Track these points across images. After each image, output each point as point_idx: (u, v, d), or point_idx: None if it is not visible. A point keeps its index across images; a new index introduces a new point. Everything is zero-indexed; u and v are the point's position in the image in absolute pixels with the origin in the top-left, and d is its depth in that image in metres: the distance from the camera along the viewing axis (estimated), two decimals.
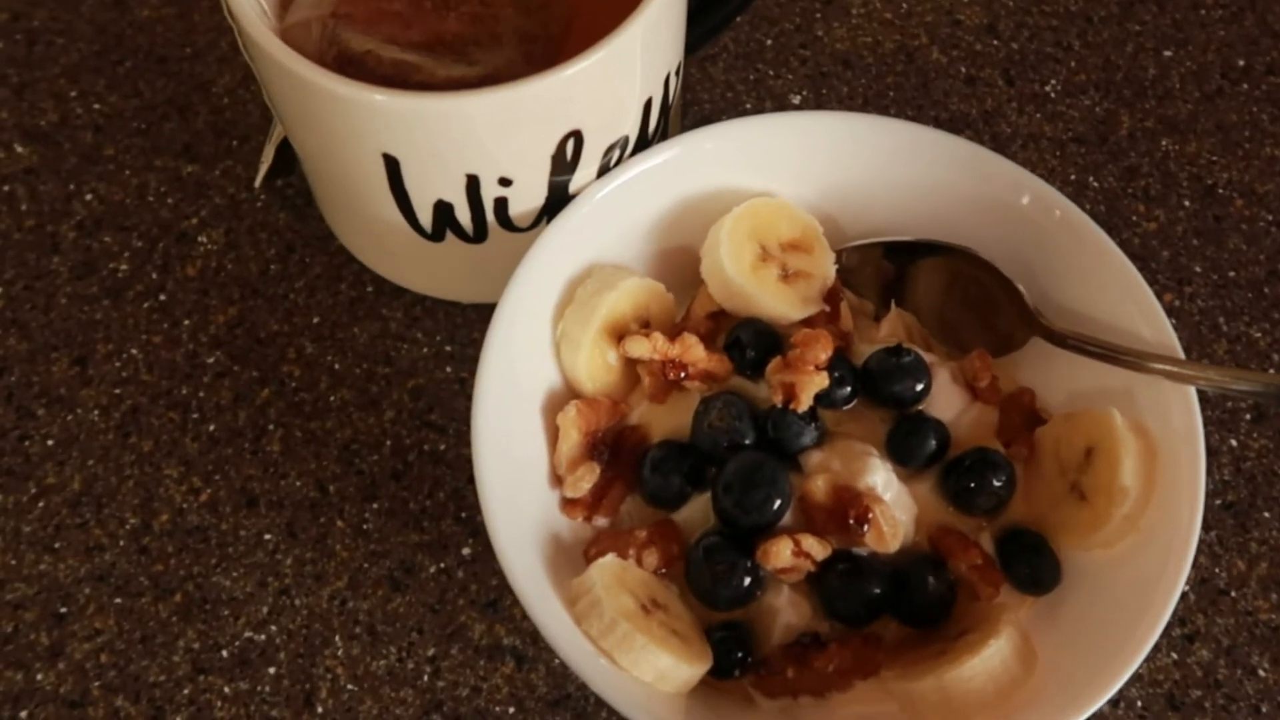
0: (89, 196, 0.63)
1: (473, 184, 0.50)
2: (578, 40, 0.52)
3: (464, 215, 0.52)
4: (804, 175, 0.55)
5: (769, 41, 0.68)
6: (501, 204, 0.51)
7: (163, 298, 0.60)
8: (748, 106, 0.65)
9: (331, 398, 0.57)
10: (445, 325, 0.60)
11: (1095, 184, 0.63)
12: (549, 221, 0.51)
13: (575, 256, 0.52)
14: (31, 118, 0.65)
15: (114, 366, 0.58)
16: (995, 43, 0.67)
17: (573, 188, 0.52)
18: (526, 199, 0.52)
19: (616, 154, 0.52)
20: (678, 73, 0.55)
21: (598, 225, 0.52)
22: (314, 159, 0.54)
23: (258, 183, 0.62)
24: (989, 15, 0.68)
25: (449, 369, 0.58)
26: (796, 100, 0.66)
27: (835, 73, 0.67)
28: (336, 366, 0.58)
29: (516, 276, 0.50)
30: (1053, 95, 0.66)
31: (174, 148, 0.64)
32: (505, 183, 0.50)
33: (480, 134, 0.47)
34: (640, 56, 0.49)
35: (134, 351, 0.59)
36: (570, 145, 0.50)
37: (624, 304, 0.51)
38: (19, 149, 0.64)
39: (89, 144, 0.64)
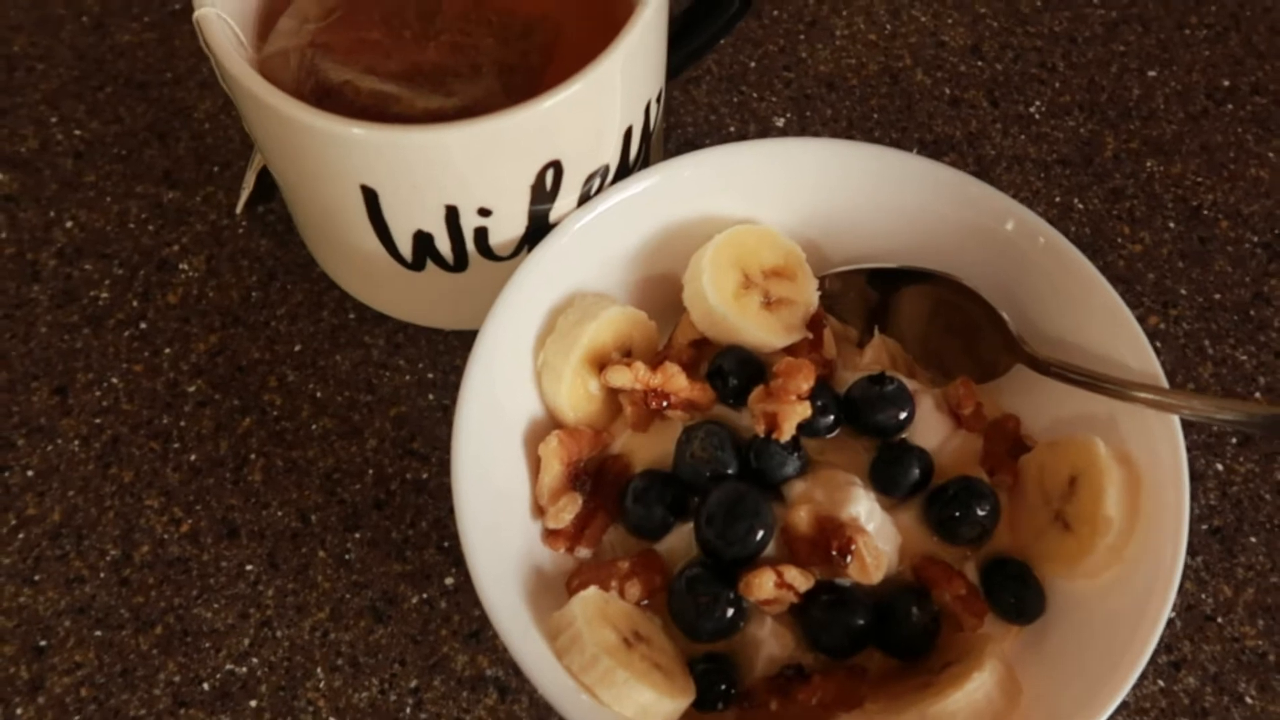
0: (69, 224, 0.63)
1: (452, 214, 0.50)
2: (557, 70, 0.52)
3: (444, 245, 0.51)
4: (786, 201, 0.55)
5: (752, 64, 0.67)
6: (481, 233, 0.51)
7: (143, 326, 0.60)
8: (731, 129, 0.65)
9: (313, 426, 0.57)
10: (428, 352, 0.59)
11: (1080, 206, 0.63)
12: (530, 250, 0.51)
13: (556, 285, 0.52)
14: (11, 144, 0.65)
15: (94, 396, 0.58)
16: (979, 64, 0.67)
17: (553, 216, 0.52)
18: (507, 228, 0.51)
19: (597, 182, 0.52)
20: (659, 99, 0.55)
21: (578, 254, 0.52)
22: (293, 189, 0.54)
23: (239, 209, 0.62)
24: (973, 36, 0.68)
25: (431, 396, 0.58)
26: (780, 123, 0.65)
27: (819, 95, 0.66)
28: (318, 394, 0.58)
29: (497, 306, 0.50)
30: (1037, 117, 0.66)
31: (155, 174, 0.64)
32: (485, 213, 0.50)
33: (459, 165, 0.47)
34: (620, 86, 0.49)
35: (114, 380, 0.58)
36: (550, 175, 0.49)
37: (605, 333, 0.51)
38: None
39: (69, 170, 0.64)
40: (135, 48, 0.68)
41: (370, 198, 0.49)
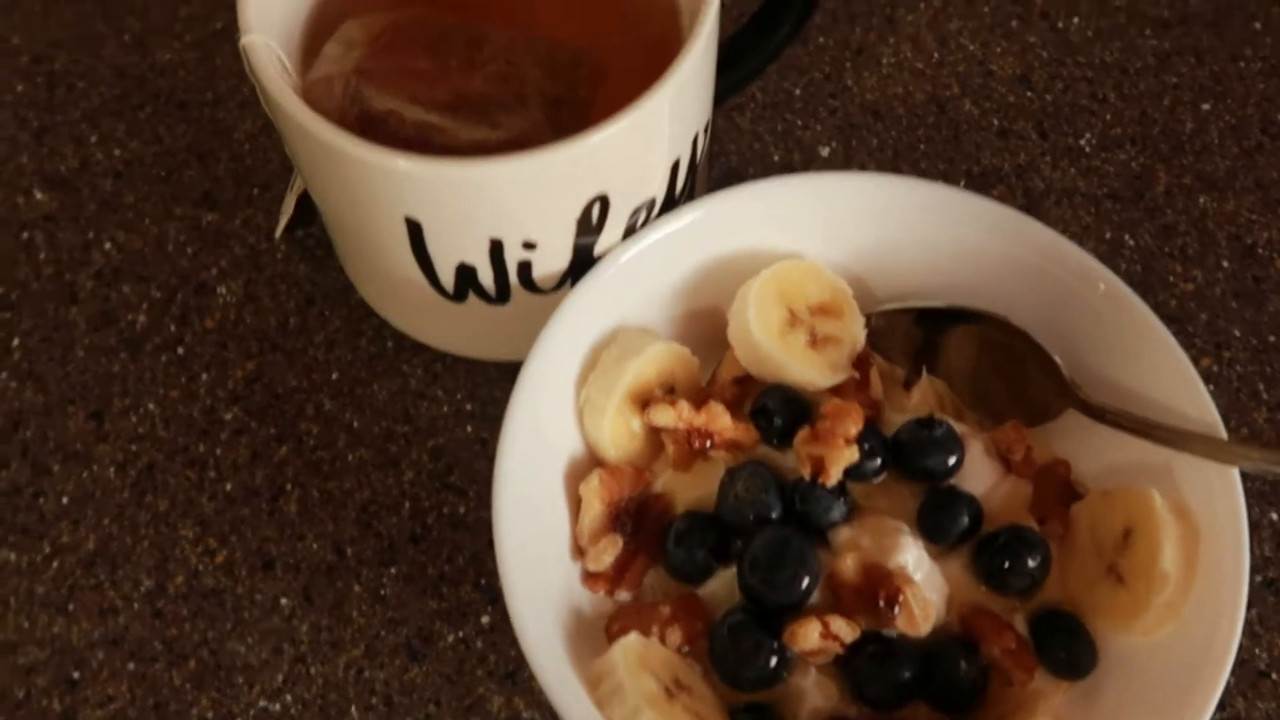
0: (108, 245, 0.62)
1: (496, 248, 0.49)
2: (605, 102, 0.51)
3: (486, 277, 0.51)
4: (832, 236, 0.54)
5: (797, 91, 0.66)
6: (525, 267, 0.50)
7: (180, 351, 0.59)
8: (775, 158, 0.64)
9: (350, 456, 0.56)
10: (466, 383, 0.59)
11: (1131, 242, 0.62)
12: (573, 284, 0.50)
13: (600, 320, 0.51)
14: (51, 163, 0.65)
15: (130, 422, 0.57)
16: (1029, 94, 0.66)
17: (598, 250, 0.51)
18: (551, 262, 0.51)
19: (643, 215, 0.51)
20: (706, 130, 0.54)
21: (623, 288, 0.51)
22: (334, 216, 0.53)
23: (278, 234, 0.62)
24: (1022, 66, 0.67)
25: (470, 428, 0.57)
26: (825, 152, 0.64)
27: (865, 124, 0.65)
28: (355, 424, 0.57)
29: (540, 342, 0.49)
30: (1088, 149, 0.64)
31: (194, 196, 0.64)
32: (529, 246, 0.49)
33: (505, 199, 0.46)
34: (669, 119, 0.48)
35: (151, 406, 0.58)
36: (596, 209, 0.49)
37: (649, 370, 0.50)
38: (38, 195, 0.64)
39: (109, 191, 0.64)
40: (176, 66, 0.68)
41: (414, 230, 0.48)
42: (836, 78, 0.67)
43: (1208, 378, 0.57)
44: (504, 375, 0.59)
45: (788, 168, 0.64)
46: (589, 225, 0.49)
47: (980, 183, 0.63)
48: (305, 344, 0.60)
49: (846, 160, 0.64)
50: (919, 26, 0.68)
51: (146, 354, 0.59)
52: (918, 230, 0.53)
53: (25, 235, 0.63)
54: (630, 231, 0.51)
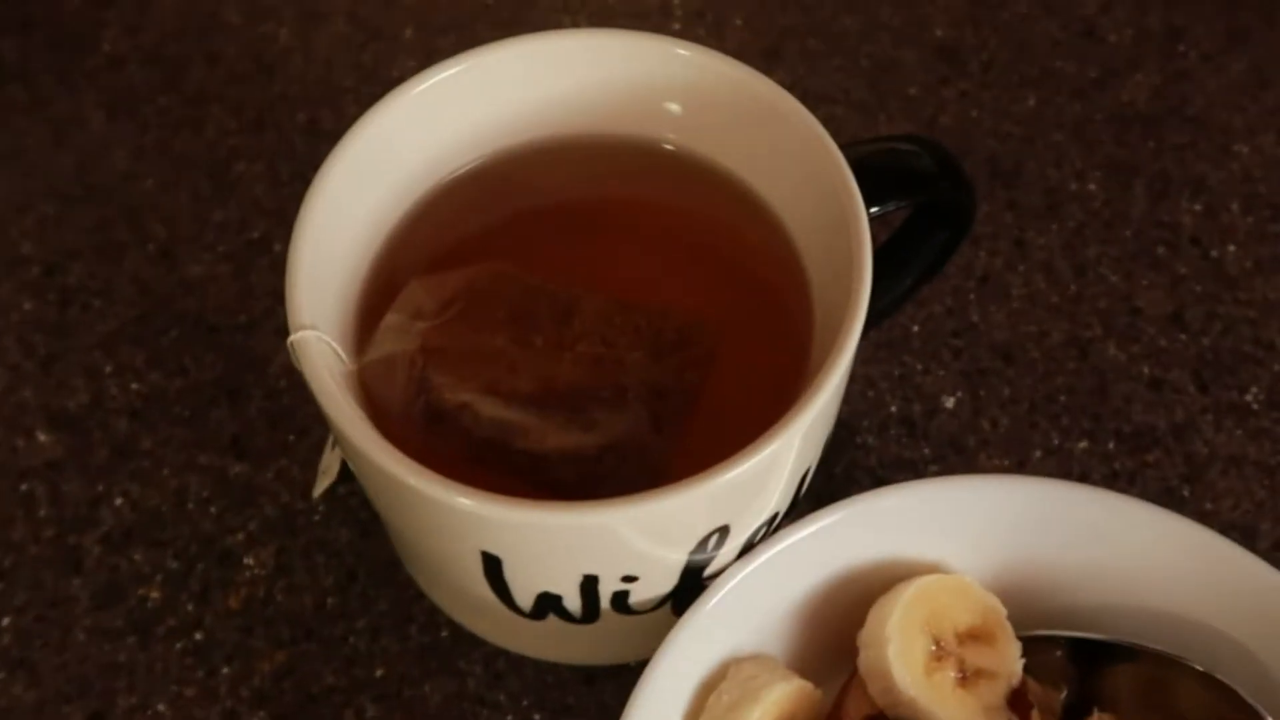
0: (119, 500, 0.54)
1: (589, 582, 0.40)
2: (715, 391, 0.43)
3: (573, 604, 0.42)
4: (982, 544, 0.45)
5: (915, 328, 0.58)
6: (621, 595, 0.41)
7: (199, 636, 0.51)
8: (893, 409, 0.56)
9: None
10: (534, 684, 0.49)
11: None
12: (676, 607, 0.42)
13: (709, 652, 0.43)
14: (59, 398, 0.56)
15: None
16: (1182, 336, 0.58)
17: (708, 571, 0.42)
18: (653, 588, 0.42)
19: (763, 531, 0.42)
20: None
21: (737, 611, 0.43)
22: (395, 530, 0.44)
23: (316, 493, 0.53)
24: (1173, 302, 0.58)
25: None
26: (950, 403, 0.56)
27: (995, 369, 0.57)
28: None
29: (638, 693, 0.40)
30: (1255, 406, 0.56)
31: (221, 441, 0.55)
32: (629, 579, 0.40)
33: (606, 543, 0.38)
34: (803, 440, 0.39)
35: (161, 707, 0.49)
36: (714, 539, 0.40)
37: (768, 718, 0.41)
38: (42, 437, 0.55)
39: (123, 433, 0.55)
40: (206, 282, 0.59)
41: (491, 563, 0.39)
42: (959, 312, 0.58)
43: None
44: (577, 677, 0.50)
45: (906, 421, 0.55)
46: (703, 551, 0.40)
47: (1133, 445, 0.54)
48: (345, 631, 0.51)
49: (975, 414, 0.55)
50: (1052, 252, 0.60)
51: (159, 639, 0.51)
52: (1083, 545, 0.45)
53: (25, 487, 0.54)
54: (749, 547, 0.43)
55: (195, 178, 0.63)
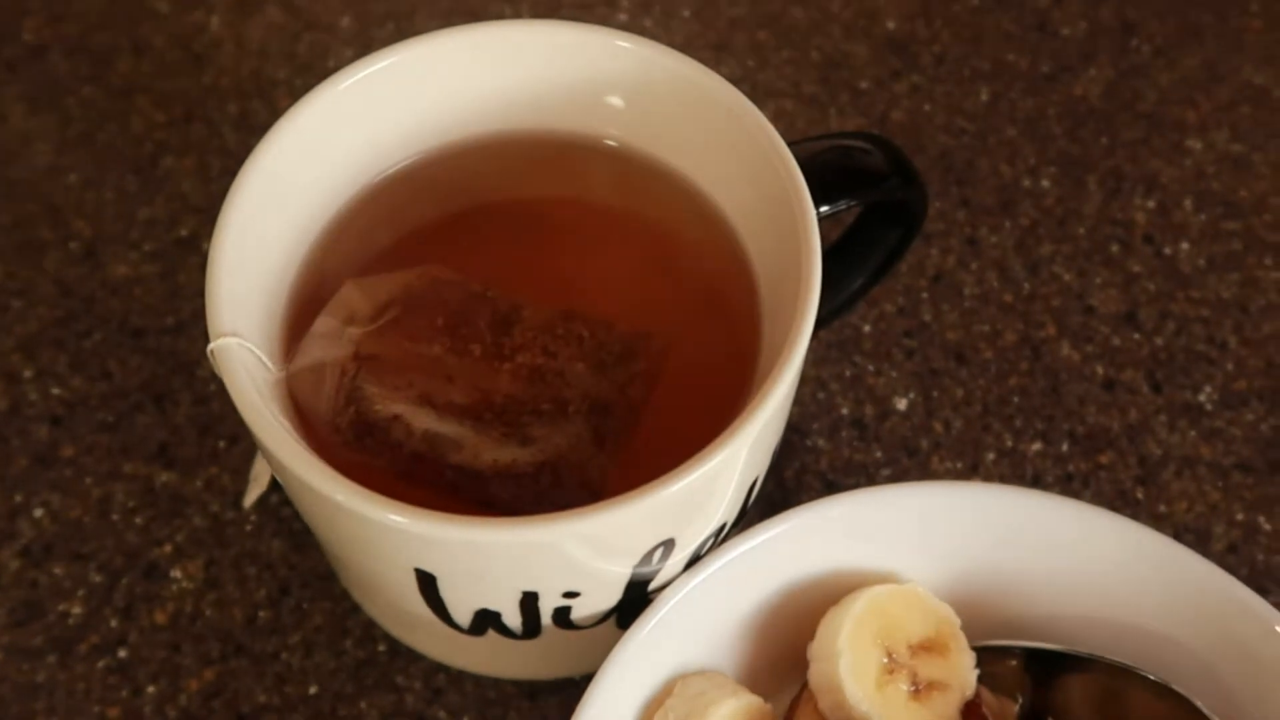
0: (38, 512, 0.51)
1: (529, 598, 0.38)
2: (660, 404, 0.41)
3: (513, 620, 0.40)
4: (934, 553, 0.44)
5: (867, 328, 0.57)
6: (563, 611, 0.40)
7: (123, 654, 0.48)
8: (844, 412, 0.54)
9: None
10: (475, 701, 0.48)
11: (1268, 527, 0.52)
12: (620, 620, 0.40)
13: (655, 667, 0.41)
14: None
15: None
16: (1136, 336, 0.57)
17: (653, 585, 0.41)
18: (595, 603, 0.40)
19: (710, 542, 0.41)
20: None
21: (684, 625, 0.41)
22: (327, 545, 0.42)
23: (247, 503, 0.51)
24: (1126, 300, 0.58)
25: None
26: (903, 405, 0.54)
27: (947, 370, 0.56)
28: None
29: (584, 710, 0.39)
30: (1209, 407, 0.55)
31: (147, 449, 0.53)
32: (571, 595, 0.39)
33: (545, 559, 0.36)
34: (755, 446, 0.38)
35: None
36: (659, 552, 0.38)
37: None
38: None
39: (43, 441, 0.53)
40: (132, 283, 0.57)
41: (426, 580, 0.38)
42: (912, 311, 0.57)
43: None
44: (520, 692, 0.48)
45: (858, 423, 0.54)
46: (647, 564, 0.39)
47: (1087, 447, 0.54)
48: (277, 646, 0.49)
49: (927, 415, 0.54)
50: (1005, 250, 0.59)
51: (80, 658, 0.48)
52: (1041, 555, 0.44)
53: None
54: (695, 559, 0.41)
55: (121, 173, 0.60)
